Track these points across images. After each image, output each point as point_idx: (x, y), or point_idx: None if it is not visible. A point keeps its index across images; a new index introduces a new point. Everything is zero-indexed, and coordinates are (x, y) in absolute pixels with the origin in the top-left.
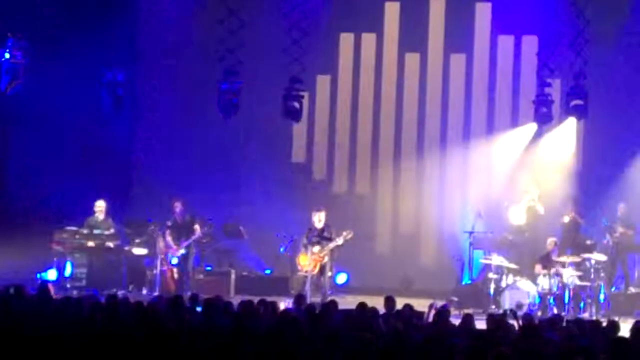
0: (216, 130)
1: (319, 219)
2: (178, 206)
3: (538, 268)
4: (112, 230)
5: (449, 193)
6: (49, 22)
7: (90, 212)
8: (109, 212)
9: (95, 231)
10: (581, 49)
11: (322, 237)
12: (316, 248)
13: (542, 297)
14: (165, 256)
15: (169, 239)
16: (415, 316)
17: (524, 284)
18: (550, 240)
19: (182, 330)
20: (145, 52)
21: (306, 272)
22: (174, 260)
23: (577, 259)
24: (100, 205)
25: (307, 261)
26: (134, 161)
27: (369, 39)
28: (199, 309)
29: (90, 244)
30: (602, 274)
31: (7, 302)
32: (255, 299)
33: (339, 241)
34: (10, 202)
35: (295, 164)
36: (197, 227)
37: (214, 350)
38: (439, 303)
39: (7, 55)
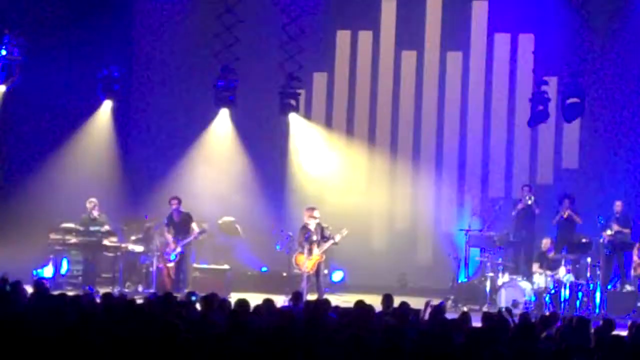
0: (212, 127)
1: (314, 218)
2: (175, 204)
3: (536, 266)
4: (107, 227)
5: (445, 191)
6: (45, 19)
7: (85, 210)
8: (102, 208)
9: (92, 228)
10: (578, 47)
11: (321, 235)
12: (315, 248)
13: (538, 295)
14: (163, 254)
15: (168, 236)
16: (411, 314)
17: (520, 282)
18: (546, 241)
19: (178, 328)
20: (141, 48)
21: (303, 271)
22: (170, 259)
23: (573, 257)
24: (92, 202)
25: (305, 261)
26: (130, 157)
27: (365, 37)
28: (195, 306)
29: (87, 241)
30: (598, 272)
31: (3, 299)
32: (252, 297)
33: (336, 239)
34: (5, 199)
35: (292, 161)
36: (194, 226)
37: (210, 347)
38: (435, 301)
39: (3, 52)
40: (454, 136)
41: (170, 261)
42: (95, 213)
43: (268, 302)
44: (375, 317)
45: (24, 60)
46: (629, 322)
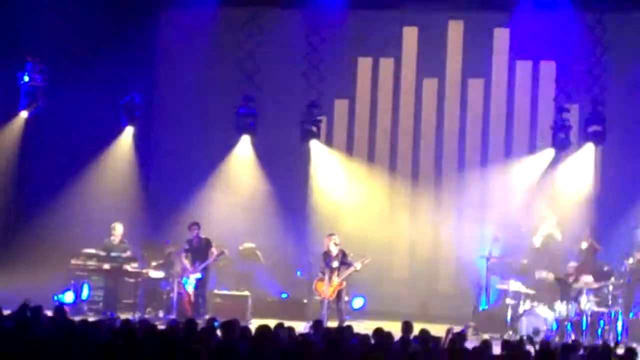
0: (233, 153)
1: (334, 244)
2: (195, 229)
3: (557, 294)
4: (129, 253)
5: (466, 218)
6: (67, 45)
7: (108, 234)
8: (125, 235)
9: (113, 254)
10: (599, 75)
11: (342, 262)
12: (336, 275)
13: (559, 323)
14: (180, 280)
15: (185, 261)
16: (432, 341)
17: (542, 310)
18: (571, 265)
19: (200, 354)
20: (163, 75)
21: (323, 297)
22: (190, 285)
23: (594, 285)
24: (117, 228)
25: (325, 287)
26: (151, 183)
27: (387, 64)
28: (216, 332)
29: (107, 266)
30: (620, 300)
31: (25, 324)
32: (272, 323)
33: (358, 266)
34: (27, 224)
35: (313, 188)
36: (213, 250)
37: None
38: (456, 328)
39: (26, 78)
40: (475, 163)
41: (185, 288)
42: (118, 239)
43: (288, 329)
44: (394, 344)
45: (46, 86)
46: None
